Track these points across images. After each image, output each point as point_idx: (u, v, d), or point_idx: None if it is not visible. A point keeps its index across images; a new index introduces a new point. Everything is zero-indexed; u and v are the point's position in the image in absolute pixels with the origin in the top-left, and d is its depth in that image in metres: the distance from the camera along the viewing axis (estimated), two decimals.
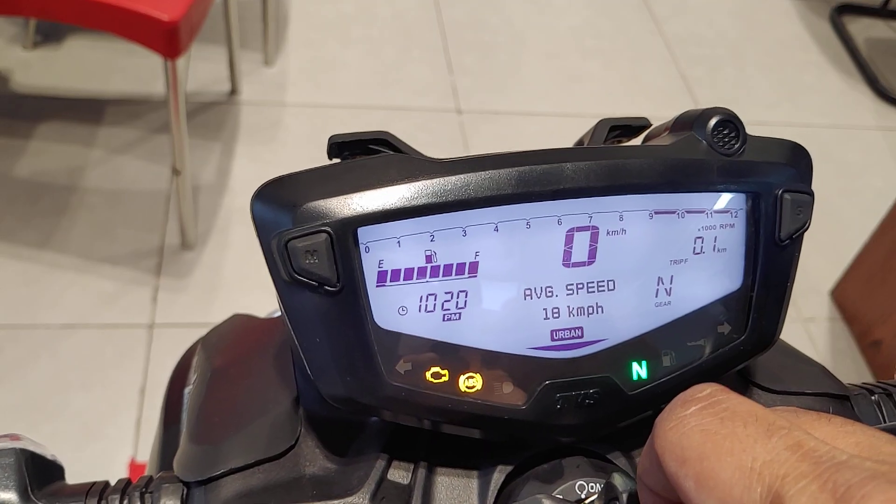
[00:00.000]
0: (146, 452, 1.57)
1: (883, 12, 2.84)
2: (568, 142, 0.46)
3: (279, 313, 0.52)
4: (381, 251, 0.32)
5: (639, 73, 2.44)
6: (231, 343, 0.47)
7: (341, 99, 2.18)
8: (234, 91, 2.16)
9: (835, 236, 2.10)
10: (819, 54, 2.66)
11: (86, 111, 2.05)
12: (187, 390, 0.43)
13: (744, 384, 0.41)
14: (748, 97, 2.36)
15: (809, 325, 1.90)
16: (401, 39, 2.43)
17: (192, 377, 0.46)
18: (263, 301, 1.29)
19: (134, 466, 1.46)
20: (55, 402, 1.53)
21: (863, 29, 2.81)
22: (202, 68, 2.20)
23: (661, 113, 1.42)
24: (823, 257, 2.04)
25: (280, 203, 0.32)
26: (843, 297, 1.91)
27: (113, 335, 1.66)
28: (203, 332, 0.52)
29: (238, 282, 1.77)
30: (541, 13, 2.62)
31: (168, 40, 1.48)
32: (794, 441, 0.22)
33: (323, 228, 0.31)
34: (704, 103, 2.13)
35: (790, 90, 2.47)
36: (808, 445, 0.22)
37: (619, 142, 0.41)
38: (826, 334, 1.90)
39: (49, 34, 2.23)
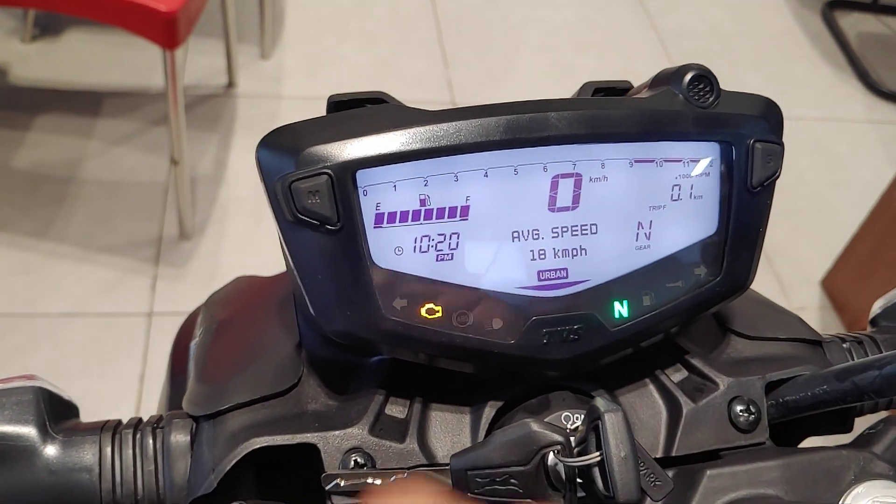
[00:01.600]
0: None
1: (874, 7, 2.87)
2: None
3: (280, 271, 0.54)
4: (378, 194, 0.34)
5: (632, 67, 2.46)
6: (235, 299, 0.50)
7: (337, 91, 2.20)
8: (231, 84, 2.18)
9: (825, 227, 2.12)
10: (811, 48, 2.69)
11: (84, 103, 2.07)
12: (193, 343, 0.46)
13: (722, 331, 0.43)
14: (740, 90, 2.38)
15: (801, 315, 1.92)
16: (396, 33, 2.46)
17: (198, 332, 0.48)
18: None
19: None
20: None
21: (854, 23, 2.84)
22: (199, 61, 2.22)
23: None
24: (814, 248, 2.06)
25: (284, 148, 0.34)
26: (834, 286, 1.94)
27: (112, 323, 1.68)
28: None
29: (235, 271, 1.77)
30: (535, 7, 2.65)
31: (166, 31, 1.50)
32: None
33: (324, 171, 0.33)
34: None
35: (782, 84, 2.50)
36: None
37: None
38: (817, 324, 1.93)
39: (47, 27, 2.24)
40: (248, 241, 1.84)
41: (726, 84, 0.37)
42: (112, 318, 1.69)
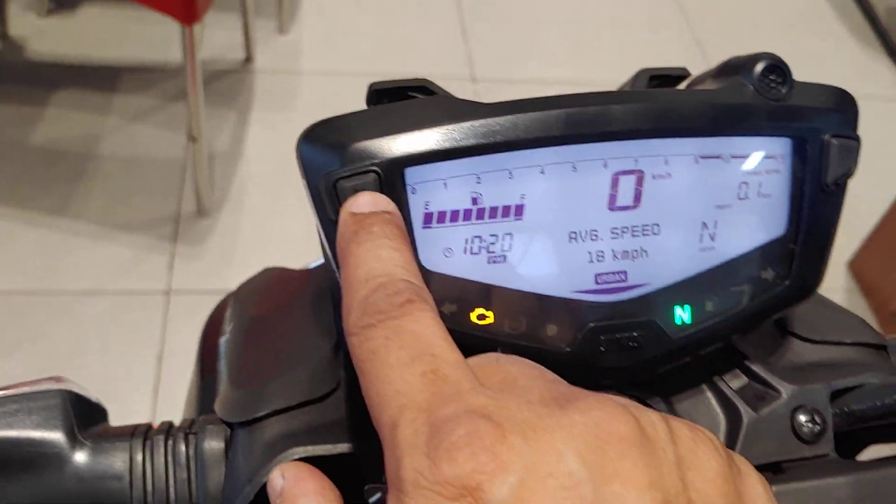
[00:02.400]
0: (164, 417, 1.58)
1: None
2: None
3: (313, 265, 0.52)
4: (427, 193, 0.32)
5: (655, 42, 2.42)
6: (266, 294, 0.48)
7: (356, 66, 2.17)
8: (248, 59, 2.15)
9: (852, 209, 2.07)
10: (838, 23, 2.63)
11: (101, 79, 2.05)
12: (223, 339, 0.44)
13: (781, 333, 0.41)
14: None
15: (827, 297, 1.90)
16: (415, 7, 2.42)
17: (228, 327, 0.46)
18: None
19: None
20: (74, 368, 1.54)
21: None
22: (217, 36, 2.19)
23: None
24: (841, 230, 2.01)
25: (328, 144, 0.32)
26: (861, 268, 1.90)
27: (130, 301, 1.67)
28: (219, 298, 0.52)
29: (253, 248, 1.78)
30: None
31: (185, 5, 1.47)
32: (430, 368, 0.22)
33: (371, 168, 0.31)
34: None
35: (808, 60, 2.45)
36: (441, 374, 0.22)
37: None
38: (844, 305, 1.90)
39: (63, 1, 2.22)
40: (266, 219, 1.83)
41: None
42: (130, 296, 1.68)
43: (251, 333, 0.43)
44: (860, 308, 1.87)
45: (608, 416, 0.21)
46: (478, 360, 0.27)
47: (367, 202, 0.29)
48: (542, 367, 0.25)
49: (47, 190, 1.81)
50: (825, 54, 2.51)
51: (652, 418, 0.22)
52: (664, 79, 0.40)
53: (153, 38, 2.15)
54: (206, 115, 1.87)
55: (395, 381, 0.22)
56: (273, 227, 1.81)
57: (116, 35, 2.16)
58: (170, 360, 1.60)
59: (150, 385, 1.56)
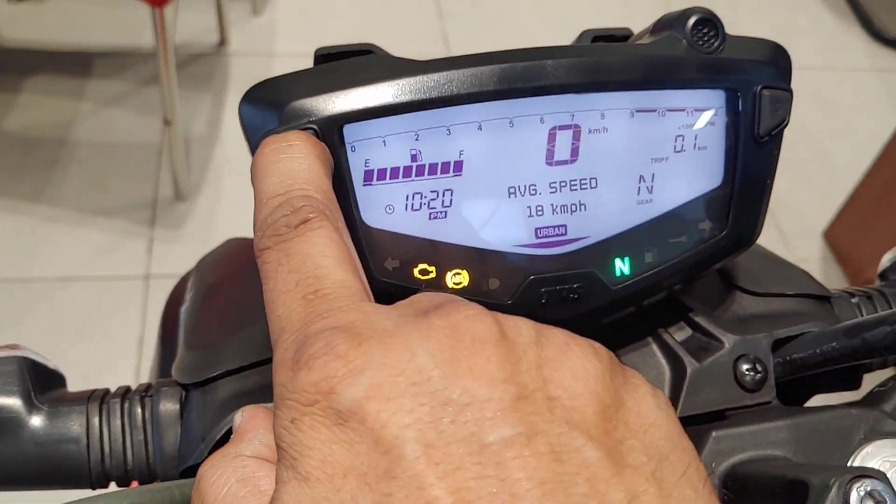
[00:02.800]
0: None
1: None
2: None
3: None
4: (367, 150, 0.33)
5: (631, 17, 2.42)
6: (225, 262, 0.48)
7: None
8: (222, 42, 2.14)
9: (828, 178, 2.10)
10: None
11: (74, 64, 2.03)
12: (183, 308, 0.44)
13: (727, 287, 0.42)
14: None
15: (802, 266, 1.91)
16: None
17: (188, 296, 0.46)
18: None
19: None
20: (53, 354, 1.51)
21: None
22: (190, 19, 2.17)
23: None
24: (816, 199, 2.04)
25: (267, 103, 0.32)
26: (836, 238, 1.92)
27: (109, 287, 1.67)
28: None
29: (232, 231, 1.76)
30: None
31: None
32: (311, 290, 0.23)
33: (309, 126, 0.31)
34: None
35: (783, 32, 2.46)
36: (321, 293, 0.23)
37: None
38: (819, 275, 1.91)
39: None
40: (244, 201, 1.82)
41: (728, 34, 0.35)
42: (109, 282, 1.68)
43: (208, 299, 0.44)
44: (836, 277, 1.89)
45: (466, 318, 0.21)
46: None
47: (283, 135, 0.30)
48: (459, 298, 0.26)
49: (22, 177, 1.80)
50: (800, 25, 2.52)
51: (517, 323, 0.22)
52: (608, 38, 0.41)
53: (125, 22, 2.13)
54: (181, 99, 1.86)
55: (280, 305, 0.23)
56: (251, 208, 1.81)
57: (88, 20, 2.14)
58: (150, 344, 1.60)
59: (132, 369, 1.56)
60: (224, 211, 1.82)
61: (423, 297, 0.25)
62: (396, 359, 0.20)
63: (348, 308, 0.22)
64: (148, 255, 1.73)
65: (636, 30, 0.41)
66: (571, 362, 0.22)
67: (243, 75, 2.08)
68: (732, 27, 0.33)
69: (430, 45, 2.25)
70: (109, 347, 1.58)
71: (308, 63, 0.38)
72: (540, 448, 0.20)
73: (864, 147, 2.04)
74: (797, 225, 1.99)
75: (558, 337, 0.23)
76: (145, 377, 1.59)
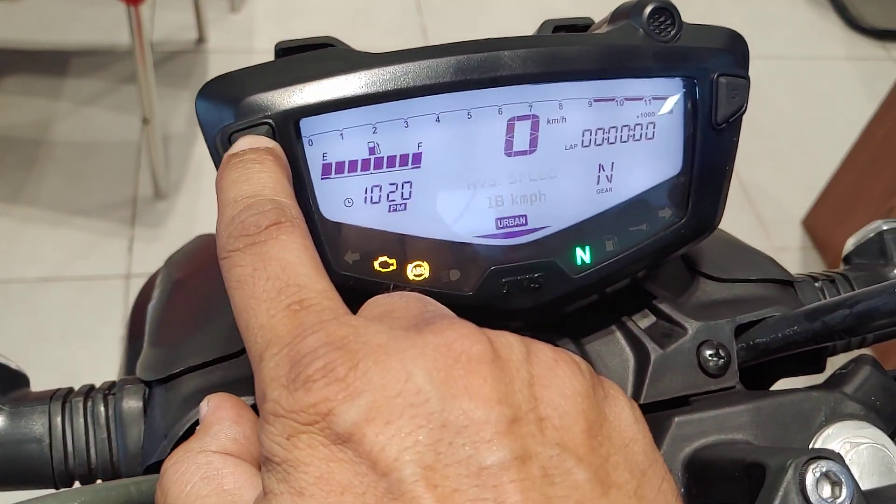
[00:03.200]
0: None
1: None
2: None
3: None
4: (324, 144, 0.33)
5: (609, 9, 2.42)
6: (192, 258, 0.48)
7: None
8: (201, 39, 2.13)
9: (806, 167, 2.11)
10: None
11: (50, 63, 2.02)
12: (150, 305, 0.44)
13: (691, 274, 0.42)
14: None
15: (782, 255, 1.93)
16: None
17: (155, 293, 0.46)
18: None
19: None
20: (36, 355, 1.53)
21: None
22: (167, 17, 2.16)
23: None
24: (795, 187, 2.06)
25: (222, 98, 0.32)
26: (815, 225, 1.94)
27: (90, 287, 1.66)
28: None
29: (212, 228, 1.76)
30: None
31: None
32: (295, 300, 0.23)
33: (265, 121, 0.31)
34: None
35: (760, 22, 2.47)
36: (306, 304, 0.23)
37: None
38: (798, 263, 1.93)
39: None
40: None
41: (704, 22, 0.36)
42: (90, 282, 1.67)
43: (174, 295, 0.43)
44: (816, 264, 1.90)
45: (460, 336, 0.21)
46: (375, 296, 0.27)
47: (245, 143, 0.30)
48: (430, 300, 0.26)
49: None
50: (777, 15, 2.53)
51: (508, 340, 0.22)
52: (569, 28, 0.41)
53: (102, 20, 2.12)
54: (160, 97, 1.85)
55: (261, 314, 0.23)
56: None
57: (64, 18, 2.12)
58: None
59: (115, 368, 1.55)
60: (205, 208, 1.81)
61: (399, 302, 0.25)
62: (394, 379, 0.21)
63: (337, 322, 0.22)
64: (128, 254, 1.72)
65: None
66: (560, 380, 0.22)
67: (221, 72, 2.06)
68: (709, 17, 0.34)
69: (409, 38, 2.25)
70: (91, 348, 1.57)
71: None
72: (534, 471, 0.20)
73: (842, 135, 2.05)
74: (776, 213, 2.01)
75: (545, 353, 0.23)
76: None
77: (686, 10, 0.35)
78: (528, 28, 0.42)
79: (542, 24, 0.41)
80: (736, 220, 1.93)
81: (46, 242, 1.70)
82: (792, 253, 1.94)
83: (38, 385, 0.42)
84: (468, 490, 0.19)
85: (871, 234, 0.46)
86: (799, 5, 2.58)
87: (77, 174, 1.82)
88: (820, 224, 1.92)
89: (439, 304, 0.26)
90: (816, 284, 0.45)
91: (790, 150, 2.16)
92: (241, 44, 2.15)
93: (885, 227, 0.46)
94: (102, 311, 1.62)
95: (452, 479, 0.20)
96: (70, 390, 0.38)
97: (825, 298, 0.44)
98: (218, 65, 2.09)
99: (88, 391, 0.38)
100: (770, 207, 2.01)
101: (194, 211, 1.80)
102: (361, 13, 2.30)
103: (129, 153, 1.87)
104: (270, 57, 0.36)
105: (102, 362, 1.55)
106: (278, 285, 0.23)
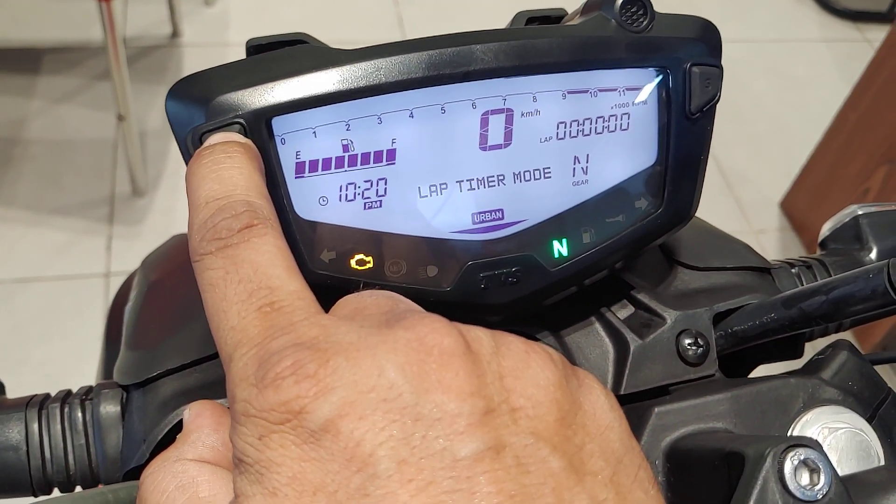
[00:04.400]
0: None
1: None
2: None
3: None
4: (297, 142, 0.32)
5: None
6: (168, 259, 0.48)
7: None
8: (175, 33, 2.11)
9: (784, 149, 2.13)
10: None
11: (22, 61, 1.99)
12: (127, 307, 0.44)
13: (668, 263, 0.42)
14: (696, 14, 2.35)
15: (760, 237, 1.94)
16: None
17: (132, 295, 0.46)
18: None
19: None
20: (16, 356, 1.52)
21: None
22: (141, 11, 2.14)
23: None
24: (773, 170, 2.07)
25: (193, 98, 0.32)
26: (793, 207, 1.95)
27: (69, 286, 1.65)
28: None
29: None
30: None
31: None
32: (266, 302, 0.23)
33: (236, 120, 0.31)
34: None
35: (737, 7, 2.48)
36: (277, 306, 0.23)
37: None
38: (777, 244, 1.94)
39: None
40: None
41: (680, 9, 0.36)
42: (69, 281, 1.65)
43: (150, 297, 0.43)
44: (794, 246, 1.91)
45: (431, 330, 0.21)
46: (346, 296, 0.27)
47: (216, 138, 0.29)
48: (401, 298, 0.26)
49: None
50: (753, 0, 2.54)
51: (478, 334, 0.22)
52: (542, 20, 0.41)
53: (74, 16, 2.09)
54: (135, 93, 1.83)
55: (232, 316, 0.23)
56: None
57: (35, 15, 2.09)
58: None
59: (96, 367, 1.54)
60: (183, 205, 1.78)
61: (370, 300, 0.25)
62: (366, 374, 0.20)
63: (308, 322, 0.22)
64: (107, 252, 1.70)
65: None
66: (532, 371, 0.22)
67: (197, 67, 2.03)
68: (687, 4, 0.33)
69: (385, 30, 2.24)
70: (72, 347, 1.56)
71: None
72: (508, 461, 0.20)
73: (818, 118, 2.06)
74: (755, 196, 2.02)
75: (516, 345, 0.23)
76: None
77: None
78: (505, 17, 0.41)
79: (516, 15, 0.41)
80: (715, 204, 1.94)
81: (24, 242, 1.69)
82: (770, 235, 1.95)
83: (19, 387, 0.41)
84: (443, 482, 0.19)
85: (847, 219, 0.47)
86: None
87: (53, 173, 1.80)
88: (797, 206, 1.93)
89: (409, 301, 0.26)
90: (793, 270, 0.45)
91: (767, 134, 2.17)
92: (216, 38, 2.13)
93: (860, 212, 0.46)
94: (82, 310, 1.61)
95: (427, 472, 0.19)
96: (47, 396, 0.38)
97: (802, 284, 0.45)
98: (193, 59, 2.07)
99: (65, 397, 0.37)
100: (748, 190, 2.03)
101: (173, 207, 1.79)
102: (337, 4, 2.28)
103: (106, 150, 1.86)
104: (245, 51, 0.35)
105: (83, 362, 1.53)
106: (250, 288, 0.23)
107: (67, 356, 1.54)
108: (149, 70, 2.03)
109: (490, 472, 0.20)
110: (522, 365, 0.22)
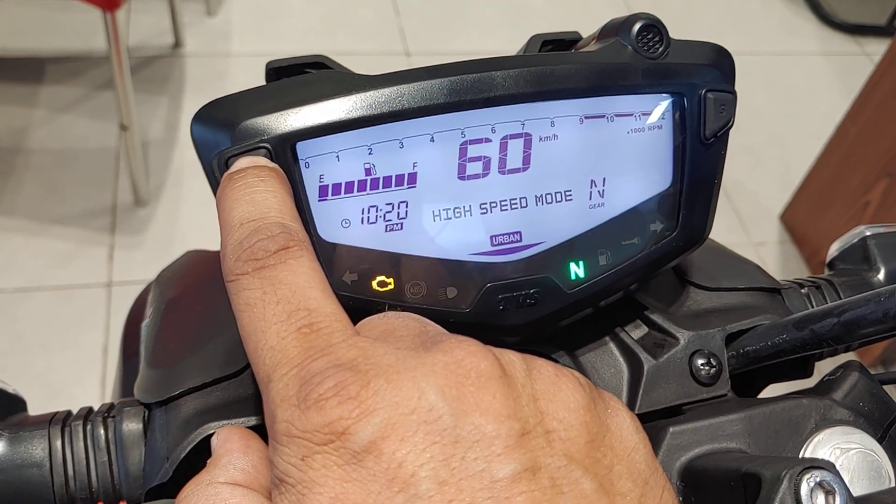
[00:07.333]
0: None
1: None
2: None
3: None
4: (320, 166, 0.33)
5: (586, 6, 2.44)
6: (184, 275, 0.48)
7: (287, 46, 2.15)
8: (177, 43, 2.12)
9: (783, 162, 2.14)
10: None
11: (25, 70, 2.00)
12: (144, 323, 0.44)
13: (681, 283, 0.43)
14: (696, 27, 2.37)
15: (760, 250, 1.95)
16: None
17: (149, 311, 0.46)
18: None
19: None
20: (17, 366, 1.52)
21: None
22: (143, 21, 2.15)
23: None
24: (772, 183, 2.08)
25: (218, 123, 0.32)
26: (793, 220, 1.96)
27: (71, 296, 1.65)
28: None
29: (194, 234, 1.76)
30: None
31: None
32: (305, 323, 0.23)
33: (262, 145, 0.32)
34: None
35: (736, 19, 2.49)
36: (316, 327, 0.23)
37: None
38: (777, 257, 1.95)
39: None
40: (205, 204, 1.81)
41: (680, 21, 0.36)
42: (70, 291, 1.66)
43: (169, 315, 0.43)
44: (794, 259, 1.92)
45: (468, 353, 0.22)
46: (370, 317, 0.28)
47: (245, 161, 0.30)
48: (427, 320, 0.26)
49: None
50: (752, 12, 2.55)
51: (512, 357, 0.23)
52: (557, 43, 0.42)
53: (77, 26, 2.10)
54: (138, 103, 1.84)
55: (271, 337, 0.23)
56: (212, 212, 1.78)
57: (39, 25, 2.10)
58: (115, 352, 1.58)
59: (98, 377, 1.54)
60: (185, 215, 1.80)
61: (397, 322, 0.25)
62: (407, 397, 0.21)
63: (346, 344, 0.23)
64: (109, 262, 1.71)
65: (590, 22, 0.41)
66: (563, 394, 0.23)
67: (199, 77, 2.06)
68: (685, 14, 0.34)
69: (387, 41, 2.25)
70: (74, 357, 1.56)
71: (264, 61, 0.38)
72: (544, 482, 0.21)
73: (817, 130, 2.07)
74: (755, 209, 2.03)
75: (547, 369, 0.23)
76: (111, 386, 1.57)
77: (662, 8, 0.36)
78: (506, 29, 0.42)
79: (530, 39, 0.42)
80: (715, 216, 1.94)
81: (26, 252, 1.69)
82: (771, 248, 1.96)
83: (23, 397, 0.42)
84: (482, 502, 0.20)
85: (855, 240, 0.47)
86: (773, 1, 2.61)
87: (55, 182, 1.80)
88: (797, 219, 1.94)
89: (435, 323, 0.27)
90: (803, 291, 0.45)
91: (767, 146, 2.18)
92: (218, 48, 2.14)
93: (868, 233, 0.47)
94: (84, 320, 1.61)
95: (467, 493, 0.20)
96: (69, 413, 0.38)
97: (811, 304, 0.45)
98: (195, 69, 2.08)
99: (87, 414, 0.38)
100: (748, 203, 2.04)
101: (175, 217, 1.79)
102: (338, 15, 2.30)
103: (108, 160, 1.86)
104: (247, 60, 0.36)
105: (84, 372, 1.54)
106: (288, 309, 0.24)
107: (69, 366, 1.54)
108: (151, 80, 2.04)
109: (527, 493, 0.20)
110: (554, 388, 0.23)
